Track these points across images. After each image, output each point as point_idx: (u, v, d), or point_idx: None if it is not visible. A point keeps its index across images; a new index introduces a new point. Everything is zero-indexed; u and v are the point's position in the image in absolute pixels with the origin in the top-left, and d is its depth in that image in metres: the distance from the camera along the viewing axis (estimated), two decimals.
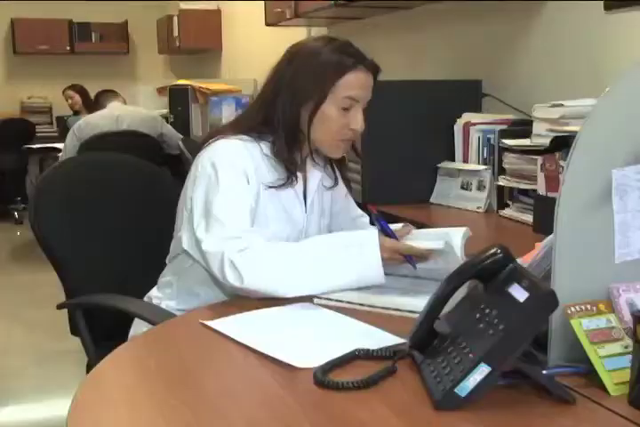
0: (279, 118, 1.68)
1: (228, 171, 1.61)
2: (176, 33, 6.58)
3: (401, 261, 1.54)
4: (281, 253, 1.53)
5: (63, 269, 1.85)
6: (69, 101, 6.54)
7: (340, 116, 1.66)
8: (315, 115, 1.66)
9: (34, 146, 6.60)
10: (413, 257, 1.54)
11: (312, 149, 1.75)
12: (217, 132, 1.74)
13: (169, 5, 7.31)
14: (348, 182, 1.90)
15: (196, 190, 1.62)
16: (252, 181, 1.63)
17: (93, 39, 7.91)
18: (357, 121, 1.68)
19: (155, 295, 1.80)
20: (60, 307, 1.81)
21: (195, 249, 1.59)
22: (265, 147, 1.69)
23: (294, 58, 1.72)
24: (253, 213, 1.62)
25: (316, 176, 1.81)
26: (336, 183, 1.85)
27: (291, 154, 1.69)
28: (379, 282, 1.49)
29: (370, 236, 1.55)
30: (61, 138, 5.46)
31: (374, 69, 1.71)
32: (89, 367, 1.77)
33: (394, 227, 1.67)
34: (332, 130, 1.67)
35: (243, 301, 1.50)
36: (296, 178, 1.70)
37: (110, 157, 2.16)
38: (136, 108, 5.51)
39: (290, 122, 1.67)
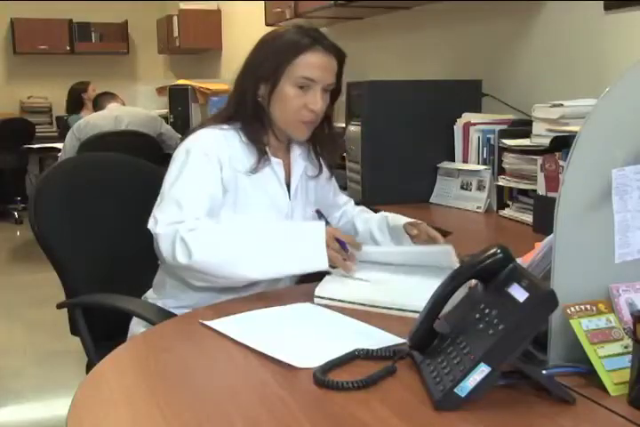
0: (245, 102, 1.73)
1: (197, 158, 1.66)
2: (176, 33, 6.58)
3: (337, 248, 1.56)
4: (229, 233, 1.57)
5: (63, 268, 1.85)
6: (87, 94, 6.33)
7: (296, 95, 1.69)
8: (272, 93, 1.70)
9: (34, 146, 6.60)
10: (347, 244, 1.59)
11: (274, 131, 1.77)
12: (201, 125, 1.79)
13: (169, 5, 7.31)
14: (331, 169, 1.94)
15: (167, 175, 1.67)
16: (225, 169, 1.67)
17: (93, 39, 7.91)
18: (315, 101, 1.69)
19: (150, 296, 1.82)
20: (59, 306, 1.81)
21: (153, 229, 1.61)
22: (243, 135, 1.74)
23: (260, 43, 1.77)
24: (216, 201, 1.65)
25: (299, 164, 1.84)
26: (320, 171, 1.88)
27: (258, 136, 1.74)
28: (323, 267, 1.54)
29: (317, 225, 1.59)
30: (61, 138, 5.45)
31: (337, 53, 1.73)
32: (89, 367, 1.77)
33: (406, 221, 1.82)
34: (290, 109, 1.70)
35: (243, 301, 1.50)
36: (268, 158, 1.74)
37: (110, 157, 2.16)
38: (135, 108, 5.51)
39: (252, 103, 1.73)
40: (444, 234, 2.10)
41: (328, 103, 1.77)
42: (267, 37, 1.78)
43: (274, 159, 1.77)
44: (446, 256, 1.54)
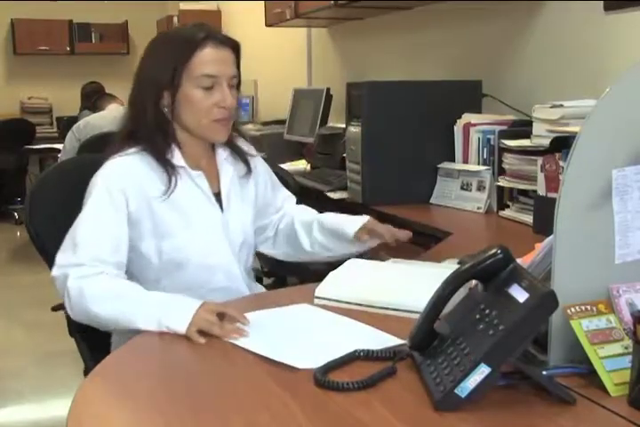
0: (145, 115, 1.63)
1: (99, 197, 1.57)
2: None
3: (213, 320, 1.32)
4: (109, 293, 1.45)
5: None
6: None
7: (204, 96, 1.62)
8: (176, 99, 1.62)
9: (34, 146, 6.61)
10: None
11: (186, 141, 1.67)
12: (110, 148, 1.67)
13: (169, 6, 7.32)
14: (264, 162, 1.87)
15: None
16: (132, 201, 1.58)
17: (93, 40, 7.91)
18: (224, 98, 1.62)
19: None
20: (54, 309, 1.80)
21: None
22: (149, 155, 1.63)
23: (149, 49, 1.69)
24: (120, 239, 1.56)
25: (227, 169, 1.74)
26: (249, 170, 1.78)
27: (163, 152, 1.63)
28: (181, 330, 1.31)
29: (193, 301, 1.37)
30: (61, 138, 5.45)
31: (231, 44, 1.66)
32: (86, 372, 1.75)
33: (353, 229, 1.73)
34: (200, 111, 1.62)
35: (240, 302, 1.50)
36: (179, 174, 1.63)
37: (106, 159, 2.14)
38: None
39: (154, 115, 1.63)
40: (443, 235, 2.10)
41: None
42: (155, 42, 1.70)
43: (192, 172, 1.67)
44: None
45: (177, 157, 1.66)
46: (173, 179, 1.62)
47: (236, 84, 1.69)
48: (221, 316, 1.33)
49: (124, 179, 1.59)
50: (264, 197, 1.85)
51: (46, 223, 1.82)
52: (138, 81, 1.67)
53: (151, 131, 1.63)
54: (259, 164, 1.85)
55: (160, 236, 1.62)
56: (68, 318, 1.90)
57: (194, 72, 1.60)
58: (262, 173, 1.85)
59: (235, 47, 1.67)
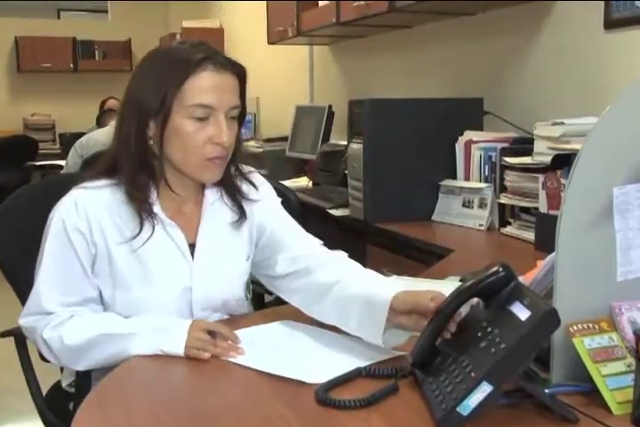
0: (129, 147, 1.39)
1: (56, 239, 1.40)
2: None
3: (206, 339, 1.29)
4: (84, 335, 1.35)
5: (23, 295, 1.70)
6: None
7: (196, 129, 1.37)
8: (164, 130, 1.37)
9: (37, 163, 6.61)
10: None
11: (169, 181, 1.44)
12: (87, 173, 1.48)
13: (172, 23, 7.37)
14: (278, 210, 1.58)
15: (40, 252, 1.45)
16: (92, 243, 1.40)
17: (97, 57, 7.95)
18: (220, 133, 1.37)
19: None
20: (3, 335, 1.70)
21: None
22: (124, 192, 1.42)
23: (138, 69, 1.45)
24: (85, 277, 1.41)
25: (210, 217, 1.49)
26: (242, 217, 1.51)
27: (144, 191, 1.41)
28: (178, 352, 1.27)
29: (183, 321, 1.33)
30: (64, 155, 5.46)
31: (235, 69, 1.41)
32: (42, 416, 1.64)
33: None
34: (191, 147, 1.38)
35: (227, 322, 1.50)
36: (153, 220, 1.41)
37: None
38: None
39: (139, 147, 1.39)
40: (445, 252, 2.10)
41: (237, 132, 1.45)
42: (145, 60, 1.45)
43: (167, 221, 1.44)
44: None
45: (154, 201, 1.43)
46: (146, 225, 1.41)
47: (238, 117, 1.45)
48: (212, 334, 1.30)
49: (83, 217, 1.39)
50: (264, 247, 1.56)
51: (8, 251, 1.72)
52: (123, 105, 1.42)
53: (133, 165, 1.40)
54: (263, 209, 1.56)
55: (115, 285, 1.43)
56: None
57: (186, 100, 1.36)
58: (266, 219, 1.56)
59: (239, 73, 1.43)
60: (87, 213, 1.40)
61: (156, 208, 1.44)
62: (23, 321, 1.44)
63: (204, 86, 1.37)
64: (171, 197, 1.47)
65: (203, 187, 1.51)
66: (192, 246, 1.47)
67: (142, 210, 1.41)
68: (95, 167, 1.46)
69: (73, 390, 1.53)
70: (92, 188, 1.43)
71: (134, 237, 1.40)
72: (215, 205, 1.51)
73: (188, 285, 1.45)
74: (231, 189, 1.52)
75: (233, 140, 1.42)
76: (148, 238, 1.41)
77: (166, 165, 1.44)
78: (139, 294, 1.42)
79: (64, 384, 1.63)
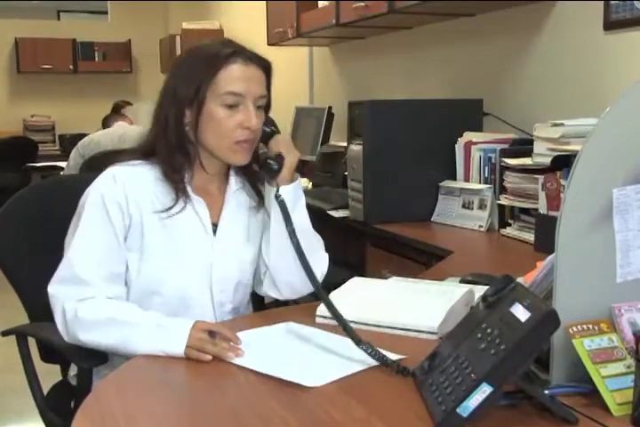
0: (167, 132, 1.56)
1: (93, 207, 1.51)
2: (178, 52, 6.62)
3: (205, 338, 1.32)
4: (106, 317, 1.43)
5: (23, 294, 1.78)
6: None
7: (227, 115, 1.53)
8: (199, 117, 1.54)
9: (36, 164, 6.62)
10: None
11: (202, 163, 1.59)
12: (119, 159, 1.61)
13: (171, 25, 7.37)
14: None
15: (70, 227, 1.55)
16: (127, 215, 1.51)
17: (96, 58, 7.96)
18: (249, 118, 1.53)
19: None
20: (4, 334, 1.73)
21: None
22: (160, 170, 1.56)
23: (175, 64, 1.64)
24: (115, 253, 1.51)
25: (233, 200, 1.64)
26: (261, 203, 1.66)
27: (179, 171, 1.56)
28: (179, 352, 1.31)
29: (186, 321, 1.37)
30: (64, 156, 5.47)
31: (261, 63, 1.58)
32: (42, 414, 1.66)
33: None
34: (223, 131, 1.54)
35: (230, 323, 1.50)
36: (188, 195, 1.56)
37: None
38: (139, 127, 5.52)
39: (177, 132, 1.56)
40: (444, 253, 2.10)
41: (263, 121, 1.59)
42: (180, 58, 1.66)
43: (194, 197, 1.57)
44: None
45: (188, 181, 1.58)
46: (179, 201, 1.54)
47: (264, 106, 1.60)
48: (212, 334, 1.32)
49: (121, 189, 1.52)
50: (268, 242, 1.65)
51: (9, 249, 1.74)
52: (161, 98, 1.58)
53: (171, 149, 1.56)
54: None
55: (142, 257, 1.54)
56: None
57: (219, 89, 1.52)
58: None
59: (265, 66, 1.59)
60: (125, 186, 1.53)
61: (188, 187, 1.58)
62: (52, 288, 1.49)
63: (235, 76, 1.53)
64: (200, 177, 1.60)
65: (227, 175, 1.65)
66: (214, 226, 1.60)
67: (180, 184, 1.55)
68: (131, 152, 1.61)
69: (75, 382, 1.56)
70: (130, 165, 1.57)
71: (169, 209, 1.53)
72: (237, 192, 1.65)
73: (209, 260, 1.58)
74: (252, 177, 1.66)
75: (260, 126, 1.57)
76: (178, 212, 1.54)
77: (201, 149, 1.58)
78: (162, 264, 1.54)
79: (71, 374, 1.66)
